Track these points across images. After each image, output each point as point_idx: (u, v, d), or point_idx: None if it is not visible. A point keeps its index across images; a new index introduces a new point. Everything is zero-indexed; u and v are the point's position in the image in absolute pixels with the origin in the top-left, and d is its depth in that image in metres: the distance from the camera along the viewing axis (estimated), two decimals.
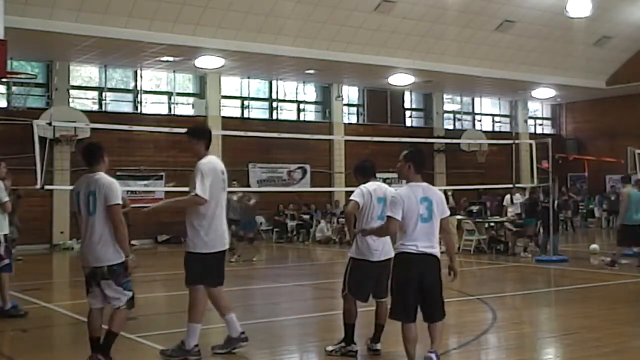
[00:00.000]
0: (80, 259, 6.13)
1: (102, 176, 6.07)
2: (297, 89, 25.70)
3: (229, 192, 16.72)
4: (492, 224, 17.82)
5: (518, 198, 19.12)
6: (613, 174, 28.16)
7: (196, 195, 6.36)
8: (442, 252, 5.89)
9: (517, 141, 25.41)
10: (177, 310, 9.50)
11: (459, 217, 17.86)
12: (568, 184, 29.89)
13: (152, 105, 23.00)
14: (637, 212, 13.93)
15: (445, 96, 29.11)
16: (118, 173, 21.04)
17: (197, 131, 6.87)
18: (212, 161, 6.60)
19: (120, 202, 6.00)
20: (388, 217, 5.84)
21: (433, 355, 5.67)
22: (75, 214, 6.25)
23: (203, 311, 6.57)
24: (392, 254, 6.72)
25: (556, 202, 16.26)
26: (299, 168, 24.62)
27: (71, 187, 6.59)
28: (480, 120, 30.33)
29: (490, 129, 30.23)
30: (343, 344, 6.64)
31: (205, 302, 6.59)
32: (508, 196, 19.74)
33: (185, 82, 23.98)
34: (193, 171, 6.45)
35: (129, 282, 6.10)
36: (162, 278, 13.05)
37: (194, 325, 6.49)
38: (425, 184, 5.99)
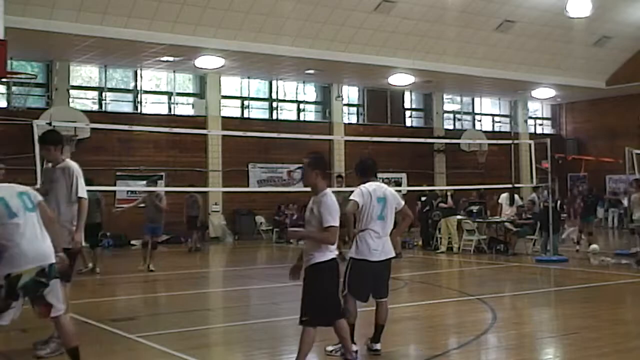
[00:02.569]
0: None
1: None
2: (297, 89, 25.68)
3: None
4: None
5: (517, 201, 19.12)
6: (613, 174, 28.17)
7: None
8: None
9: (516, 141, 25.39)
10: (176, 311, 9.52)
11: (459, 217, 17.87)
12: (568, 184, 29.89)
13: (152, 105, 22.97)
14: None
15: (445, 96, 29.08)
16: (118, 173, 21.10)
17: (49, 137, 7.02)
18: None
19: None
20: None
21: None
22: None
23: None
24: (392, 254, 6.77)
25: (558, 202, 16.27)
26: (299, 168, 24.60)
27: None
28: (480, 120, 30.30)
29: (490, 129, 30.19)
30: None
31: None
32: (504, 195, 19.71)
33: (185, 82, 23.97)
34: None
35: None
36: (162, 278, 13.05)
37: None
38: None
